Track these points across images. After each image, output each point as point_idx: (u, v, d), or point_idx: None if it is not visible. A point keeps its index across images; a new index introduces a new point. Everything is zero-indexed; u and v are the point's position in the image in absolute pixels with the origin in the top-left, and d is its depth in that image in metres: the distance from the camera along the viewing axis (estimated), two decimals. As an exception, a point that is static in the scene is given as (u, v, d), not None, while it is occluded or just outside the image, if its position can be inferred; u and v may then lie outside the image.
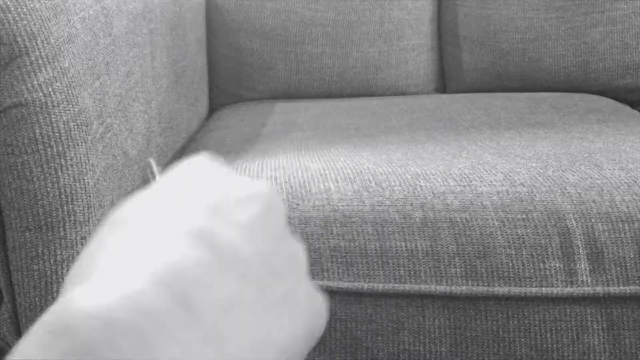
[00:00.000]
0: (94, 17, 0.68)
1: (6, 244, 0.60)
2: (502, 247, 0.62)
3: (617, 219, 0.63)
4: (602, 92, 1.26)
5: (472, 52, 1.33)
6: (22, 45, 0.56)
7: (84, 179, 0.61)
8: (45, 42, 0.57)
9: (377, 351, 0.61)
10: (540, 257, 0.62)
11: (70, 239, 0.61)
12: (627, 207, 0.64)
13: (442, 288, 0.61)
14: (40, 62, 0.57)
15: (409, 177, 0.68)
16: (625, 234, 0.63)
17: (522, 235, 0.63)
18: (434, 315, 0.61)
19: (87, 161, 0.61)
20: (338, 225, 0.64)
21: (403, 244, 0.62)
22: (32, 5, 0.57)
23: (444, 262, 0.62)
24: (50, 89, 0.58)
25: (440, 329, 0.61)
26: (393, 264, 0.62)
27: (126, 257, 0.24)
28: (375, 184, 0.67)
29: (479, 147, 0.80)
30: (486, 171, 0.69)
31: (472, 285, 0.61)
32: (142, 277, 0.22)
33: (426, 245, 0.62)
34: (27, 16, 0.56)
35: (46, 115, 0.57)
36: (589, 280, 0.61)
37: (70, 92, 0.60)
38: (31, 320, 0.61)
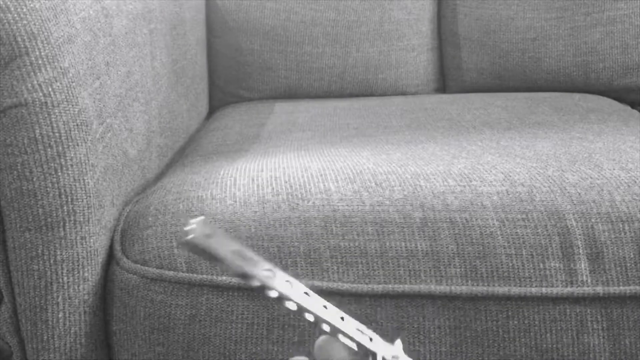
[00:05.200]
0: (94, 17, 0.68)
1: (6, 244, 0.60)
2: (502, 247, 0.62)
3: (617, 219, 0.63)
4: (602, 92, 1.26)
5: (472, 52, 1.33)
6: (22, 45, 0.56)
7: (84, 179, 0.61)
8: (45, 42, 0.57)
9: (377, 351, 0.61)
10: (540, 257, 0.62)
11: (70, 239, 0.61)
12: (627, 207, 0.64)
13: (442, 288, 0.61)
14: (40, 62, 0.57)
15: (409, 177, 0.68)
16: (625, 234, 0.63)
17: (522, 235, 0.63)
18: (434, 315, 0.61)
19: (87, 161, 0.61)
20: (338, 225, 0.64)
21: (403, 244, 0.62)
22: (32, 5, 0.57)
23: (444, 262, 0.62)
24: (50, 89, 0.58)
25: (440, 329, 0.61)
26: (393, 264, 0.62)
27: None
28: (375, 184, 0.67)
29: (479, 147, 0.80)
30: (486, 171, 0.69)
31: (472, 285, 0.61)
32: None
33: (426, 245, 0.62)
34: (27, 16, 0.56)
35: (46, 115, 0.57)
36: (589, 280, 0.61)
37: (70, 92, 0.60)
38: (31, 320, 0.61)
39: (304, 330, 0.61)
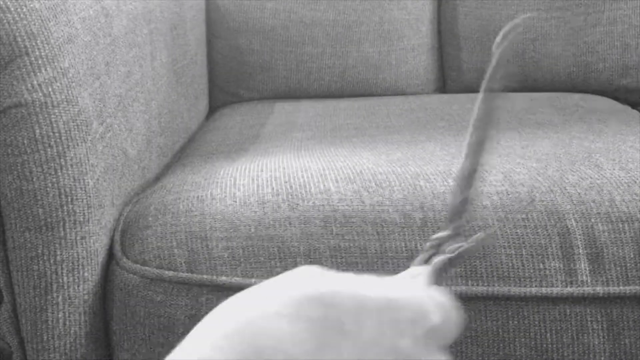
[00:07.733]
0: (94, 17, 0.68)
1: (6, 244, 0.60)
2: (502, 247, 0.62)
3: (617, 219, 0.63)
4: (602, 92, 1.26)
5: (472, 52, 1.33)
6: (22, 46, 0.56)
7: (84, 179, 0.61)
8: (45, 42, 0.57)
9: (377, 351, 0.61)
10: (540, 257, 0.62)
11: (70, 239, 0.61)
12: (627, 207, 0.64)
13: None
14: (40, 62, 0.57)
15: (409, 177, 0.68)
16: (625, 234, 0.63)
17: (522, 235, 0.63)
18: (434, 315, 0.61)
19: (87, 161, 0.61)
20: (338, 225, 0.64)
21: (403, 244, 0.62)
22: (32, 5, 0.57)
23: (444, 262, 0.62)
24: (50, 89, 0.58)
25: (440, 329, 0.61)
26: (393, 264, 0.62)
27: None
28: (375, 184, 0.67)
29: (479, 147, 0.80)
30: (486, 171, 0.69)
31: (472, 285, 0.61)
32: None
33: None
34: (27, 16, 0.56)
35: (46, 115, 0.57)
36: (589, 280, 0.61)
37: (70, 92, 0.60)
38: (31, 320, 0.61)
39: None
